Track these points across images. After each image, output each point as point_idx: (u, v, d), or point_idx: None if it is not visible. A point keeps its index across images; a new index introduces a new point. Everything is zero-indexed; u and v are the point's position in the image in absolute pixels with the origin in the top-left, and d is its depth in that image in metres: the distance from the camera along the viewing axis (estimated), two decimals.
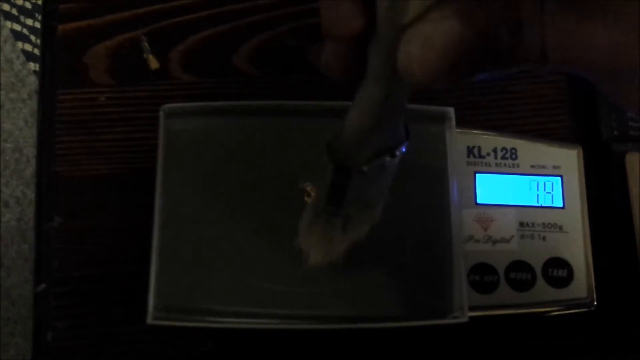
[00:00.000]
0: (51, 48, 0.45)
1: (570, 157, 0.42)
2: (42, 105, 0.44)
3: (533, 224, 0.41)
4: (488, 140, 0.42)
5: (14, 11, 1.13)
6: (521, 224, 0.41)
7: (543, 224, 0.41)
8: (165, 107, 0.40)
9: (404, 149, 0.30)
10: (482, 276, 0.40)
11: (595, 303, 0.40)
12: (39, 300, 0.41)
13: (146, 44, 0.45)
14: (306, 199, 0.38)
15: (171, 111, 0.40)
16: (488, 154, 0.42)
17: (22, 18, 1.13)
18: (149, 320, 0.36)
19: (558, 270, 0.40)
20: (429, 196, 0.39)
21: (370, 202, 0.34)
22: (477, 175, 0.41)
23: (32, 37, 1.12)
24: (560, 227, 0.41)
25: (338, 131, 0.29)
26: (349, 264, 0.38)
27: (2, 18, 1.12)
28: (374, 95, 0.26)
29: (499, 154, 0.42)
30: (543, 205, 0.41)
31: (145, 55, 0.45)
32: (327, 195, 0.32)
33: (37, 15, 1.12)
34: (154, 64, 0.45)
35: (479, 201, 0.41)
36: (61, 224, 0.42)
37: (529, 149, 0.42)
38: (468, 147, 0.42)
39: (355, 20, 0.24)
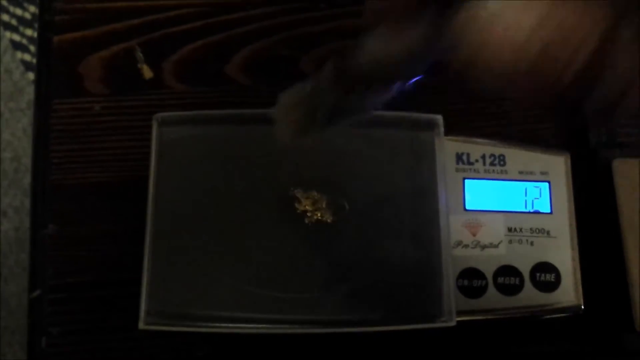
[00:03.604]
0: (47, 58, 0.45)
1: (558, 164, 0.43)
2: (38, 115, 0.44)
3: (521, 230, 0.41)
4: (477, 147, 0.42)
5: (14, 21, 1.14)
6: (509, 230, 0.41)
7: (531, 229, 0.41)
8: (158, 116, 0.40)
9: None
10: (471, 281, 0.40)
11: (583, 307, 0.40)
12: (34, 306, 0.41)
13: (140, 54, 0.45)
14: (296, 205, 0.39)
15: (164, 120, 0.40)
16: (477, 161, 0.42)
17: (21, 28, 1.14)
18: (141, 325, 0.37)
19: (546, 275, 0.41)
20: (418, 202, 0.40)
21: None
22: (466, 181, 0.42)
23: (31, 47, 1.13)
24: (548, 233, 0.41)
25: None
26: (339, 270, 0.39)
27: (1, 28, 1.12)
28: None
29: (488, 161, 0.42)
30: (531, 210, 0.42)
31: (139, 65, 0.45)
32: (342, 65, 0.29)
33: (36, 25, 1.12)
34: (147, 73, 0.45)
35: (467, 207, 0.41)
36: (56, 232, 0.42)
37: (517, 156, 0.43)
38: (457, 153, 0.42)
39: None
